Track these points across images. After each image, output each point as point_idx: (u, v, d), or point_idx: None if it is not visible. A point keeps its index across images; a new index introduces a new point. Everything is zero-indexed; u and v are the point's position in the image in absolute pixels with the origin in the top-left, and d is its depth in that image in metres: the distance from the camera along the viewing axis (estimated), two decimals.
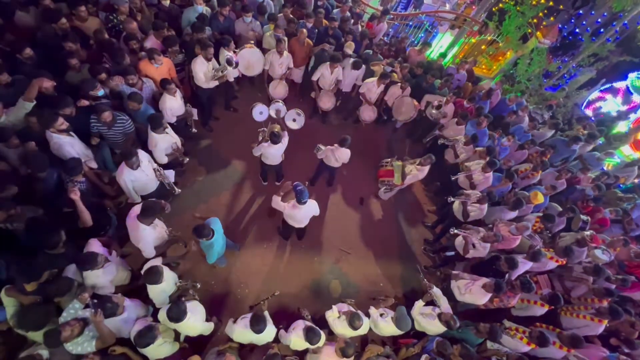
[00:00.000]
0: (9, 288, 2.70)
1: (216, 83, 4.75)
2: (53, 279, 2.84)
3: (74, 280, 2.92)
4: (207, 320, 3.35)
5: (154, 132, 3.81)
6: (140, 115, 4.05)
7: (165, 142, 3.96)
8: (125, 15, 4.62)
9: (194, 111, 4.75)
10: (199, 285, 3.46)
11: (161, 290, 3.12)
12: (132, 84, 4.08)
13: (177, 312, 2.77)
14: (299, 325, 3.20)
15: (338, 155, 4.60)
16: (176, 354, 3.07)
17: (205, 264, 4.36)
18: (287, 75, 5.53)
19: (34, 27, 4.20)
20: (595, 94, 8.31)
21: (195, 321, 3.05)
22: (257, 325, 2.93)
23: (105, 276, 3.03)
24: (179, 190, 4.06)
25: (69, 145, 3.48)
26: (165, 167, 4.02)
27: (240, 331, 3.06)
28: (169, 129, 4.03)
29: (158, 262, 3.17)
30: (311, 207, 3.90)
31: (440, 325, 3.46)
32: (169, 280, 3.21)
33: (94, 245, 3.08)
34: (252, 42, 5.24)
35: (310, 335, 2.99)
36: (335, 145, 4.51)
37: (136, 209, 3.11)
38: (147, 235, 3.16)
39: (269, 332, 3.13)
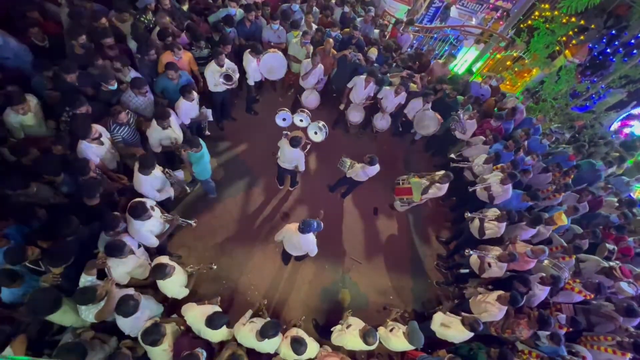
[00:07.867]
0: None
1: (223, 87, 4.77)
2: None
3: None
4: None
5: (156, 121, 3.85)
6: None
7: (163, 134, 3.97)
8: (152, 11, 4.75)
9: (209, 113, 4.75)
10: (214, 266, 3.64)
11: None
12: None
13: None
14: (288, 336, 3.19)
15: (369, 172, 4.62)
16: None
17: (219, 264, 4.46)
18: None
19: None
20: (617, 124, 8.09)
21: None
22: (265, 333, 2.91)
23: (120, 267, 3.09)
24: (190, 189, 4.13)
25: (94, 154, 3.59)
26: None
27: (246, 334, 3.07)
28: (175, 125, 4.06)
29: (165, 259, 3.26)
30: (308, 243, 3.69)
31: (464, 330, 3.38)
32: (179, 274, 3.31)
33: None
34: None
35: (295, 346, 2.96)
36: (363, 164, 4.56)
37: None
38: (140, 229, 3.26)
39: (272, 343, 3.08)
